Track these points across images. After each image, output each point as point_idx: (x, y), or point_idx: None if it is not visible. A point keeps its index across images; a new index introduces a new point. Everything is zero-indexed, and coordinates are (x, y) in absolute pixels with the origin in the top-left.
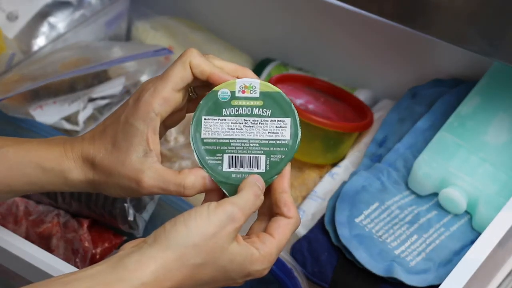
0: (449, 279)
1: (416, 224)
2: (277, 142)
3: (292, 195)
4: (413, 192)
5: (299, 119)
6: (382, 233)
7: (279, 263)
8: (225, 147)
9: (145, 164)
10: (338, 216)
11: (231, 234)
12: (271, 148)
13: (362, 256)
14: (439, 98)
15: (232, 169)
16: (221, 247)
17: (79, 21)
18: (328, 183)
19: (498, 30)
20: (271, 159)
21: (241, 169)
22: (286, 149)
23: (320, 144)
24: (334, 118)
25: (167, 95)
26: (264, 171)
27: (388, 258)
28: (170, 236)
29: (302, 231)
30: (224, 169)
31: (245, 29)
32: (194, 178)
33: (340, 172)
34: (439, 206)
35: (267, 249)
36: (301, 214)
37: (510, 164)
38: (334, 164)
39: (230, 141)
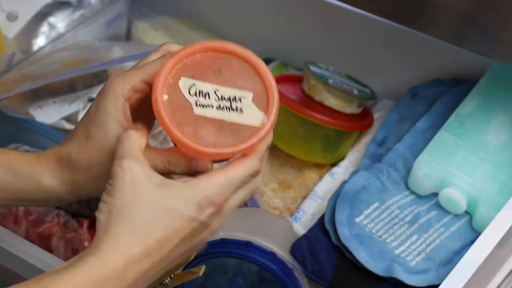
0: (449, 279)
1: (416, 224)
2: None
3: (292, 195)
4: (413, 192)
5: None
6: (382, 233)
7: (280, 263)
8: None
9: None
10: (338, 216)
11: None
12: None
13: (362, 256)
14: (439, 98)
15: None
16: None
17: (79, 21)
18: (328, 183)
19: (497, 30)
20: None
21: None
22: None
23: (320, 143)
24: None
25: (137, 84)
26: None
27: (388, 258)
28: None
29: (302, 230)
30: None
31: (245, 29)
32: (180, 157)
33: (340, 172)
34: (439, 206)
35: (209, 176)
36: (301, 214)
37: (510, 164)
38: (334, 164)
39: None
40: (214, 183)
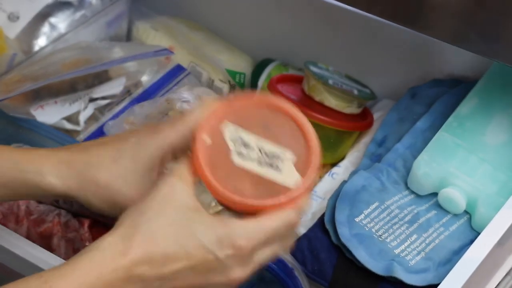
0: (448, 278)
1: (416, 223)
2: None
3: None
4: (413, 192)
5: None
6: (382, 232)
7: (280, 263)
8: None
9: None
10: (338, 216)
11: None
12: None
13: (362, 255)
14: (438, 98)
15: None
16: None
17: (80, 21)
18: (328, 183)
19: (497, 30)
20: None
21: None
22: None
23: (320, 143)
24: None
25: (185, 132)
26: None
27: (388, 257)
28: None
29: (302, 230)
30: None
31: (245, 29)
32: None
33: (340, 172)
34: (438, 206)
35: (241, 219)
36: None
37: (508, 164)
38: (333, 164)
39: None
40: (242, 225)
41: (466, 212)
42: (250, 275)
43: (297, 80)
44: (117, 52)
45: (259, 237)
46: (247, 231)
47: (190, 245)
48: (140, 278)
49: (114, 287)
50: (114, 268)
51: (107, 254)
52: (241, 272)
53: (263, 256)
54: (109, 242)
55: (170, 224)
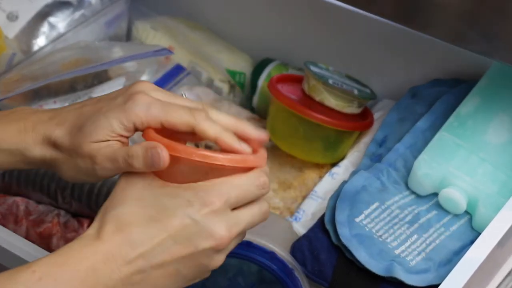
0: (449, 278)
1: (416, 224)
2: None
3: (292, 195)
4: (413, 192)
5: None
6: (382, 232)
7: (280, 263)
8: None
9: (102, 145)
10: (338, 216)
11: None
12: None
13: (362, 256)
14: (439, 98)
15: None
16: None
17: (79, 21)
18: (328, 183)
19: (497, 29)
20: None
21: None
22: None
23: (320, 143)
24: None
25: (153, 123)
26: None
27: (388, 257)
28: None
29: (302, 230)
30: None
31: (245, 29)
32: (141, 147)
33: (340, 172)
34: (439, 206)
35: (209, 180)
36: (301, 214)
37: (509, 164)
38: (334, 164)
39: None
40: (209, 183)
41: (466, 212)
42: (235, 233)
43: (297, 80)
44: (117, 52)
45: (230, 191)
46: (214, 186)
47: (163, 216)
48: (124, 260)
49: (97, 270)
50: (92, 253)
51: (85, 242)
52: (223, 228)
53: (245, 216)
54: (87, 233)
55: (137, 204)
